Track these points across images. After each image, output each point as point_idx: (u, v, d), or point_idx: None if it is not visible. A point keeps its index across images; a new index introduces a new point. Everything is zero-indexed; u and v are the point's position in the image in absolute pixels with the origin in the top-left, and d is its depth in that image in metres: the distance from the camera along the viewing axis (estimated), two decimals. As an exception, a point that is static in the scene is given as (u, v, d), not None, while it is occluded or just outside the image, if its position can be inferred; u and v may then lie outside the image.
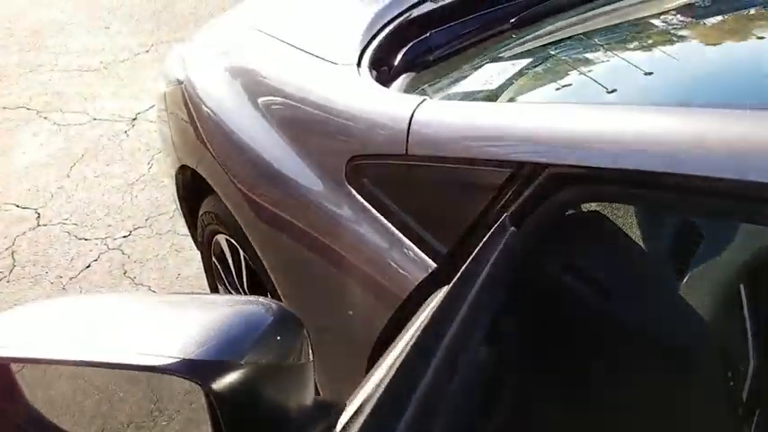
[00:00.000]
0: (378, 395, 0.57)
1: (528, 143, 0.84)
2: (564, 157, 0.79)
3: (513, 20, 1.30)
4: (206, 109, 1.43)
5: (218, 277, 1.71)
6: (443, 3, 1.34)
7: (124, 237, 2.38)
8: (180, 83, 1.55)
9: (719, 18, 1.19)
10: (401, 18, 1.29)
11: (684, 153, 0.70)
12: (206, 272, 1.80)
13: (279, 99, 1.26)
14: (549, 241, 0.86)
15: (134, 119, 3.01)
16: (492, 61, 1.14)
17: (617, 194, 0.81)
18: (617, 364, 0.85)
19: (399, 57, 1.20)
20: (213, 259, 1.67)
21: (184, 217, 1.78)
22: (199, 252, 1.80)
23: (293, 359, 0.63)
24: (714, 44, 1.12)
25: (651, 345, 0.85)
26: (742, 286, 0.95)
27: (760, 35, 1.07)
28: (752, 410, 0.96)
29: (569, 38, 1.22)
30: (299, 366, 0.63)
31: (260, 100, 1.29)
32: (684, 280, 0.92)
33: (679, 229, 0.97)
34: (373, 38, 1.23)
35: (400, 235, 0.98)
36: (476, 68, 1.12)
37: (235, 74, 1.41)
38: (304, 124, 1.19)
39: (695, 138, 0.71)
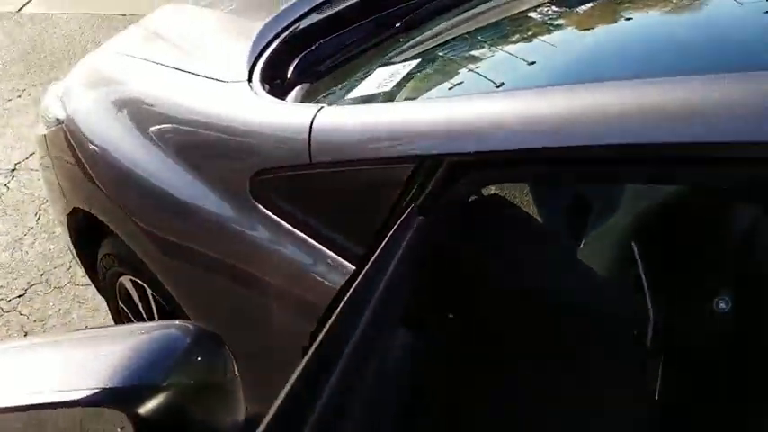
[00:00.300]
0: (282, 397, 0.55)
1: (426, 138, 0.85)
2: (460, 147, 0.82)
3: (398, 24, 1.32)
4: (92, 146, 1.35)
5: (127, 321, 1.61)
6: (329, 13, 1.34)
7: (19, 296, 2.20)
8: (60, 122, 1.46)
9: (591, 5, 1.26)
10: (288, 31, 1.28)
11: (566, 127, 0.75)
12: (114, 318, 1.69)
13: (170, 125, 1.21)
14: (457, 226, 0.88)
15: (13, 170, 2.81)
16: (383, 65, 1.15)
17: (512, 175, 0.86)
18: (531, 332, 0.88)
19: (291, 69, 1.19)
20: (120, 303, 1.57)
21: (83, 264, 1.66)
22: (104, 299, 1.69)
23: (218, 377, 0.60)
24: (588, 29, 1.19)
25: (559, 308, 0.89)
26: (633, 244, 1.01)
27: (627, 17, 1.14)
28: (657, 358, 1.03)
29: (455, 38, 1.26)
30: (224, 383, 0.61)
31: (151, 129, 1.24)
32: (581, 245, 0.97)
33: (572, 199, 1.02)
34: (261, 53, 1.21)
35: (316, 244, 0.96)
36: (368, 73, 1.13)
37: (120, 105, 1.34)
38: (200, 147, 1.15)
39: (576, 112, 0.76)
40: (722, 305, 1.03)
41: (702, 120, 0.67)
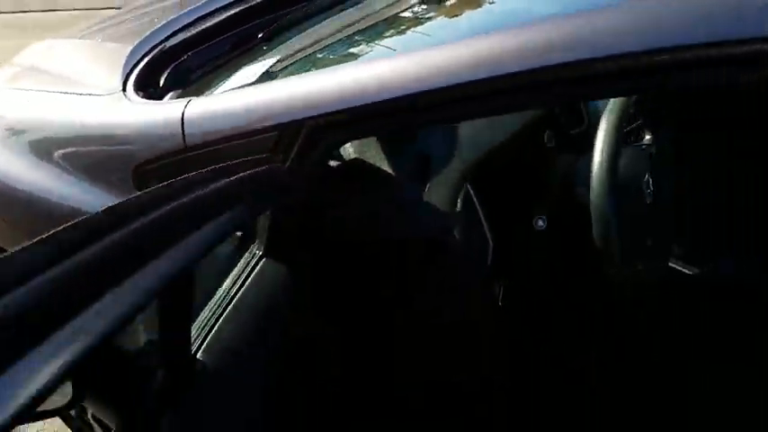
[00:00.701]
0: None
1: (285, 107, 0.99)
2: (315, 110, 0.96)
3: (260, 35, 1.47)
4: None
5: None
6: (196, 31, 1.47)
7: None
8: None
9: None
10: (157, 49, 1.39)
11: (398, 81, 0.91)
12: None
13: (56, 142, 1.28)
14: (319, 186, 1.02)
15: None
16: (247, 65, 1.30)
17: (360, 130, 1.00)
18: (388, 268, 1.03)
19: (163, 78, 1.30)
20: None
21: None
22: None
23: None
24: (455, 15, 1.38)
25: (412, 247, 1.04)
26: (468, 185, 1.20)
27: (490, 2, 1.35)
28: (498, 279, 1.22)
29: (311, 41, 1.42)
30: None
31: (39, 150, 1.30)
32: (427, 188, 1.13)
33: (415, 150, 1.20)
34: (133, 68, 1.32)
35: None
36: (234, 73, 1.27)
37: (4, 134, 1.39)
38: (85, 156, 1.23)
39: (407, 68, 0.92)
40: (540, 223, 1.24)
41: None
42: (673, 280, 1.58)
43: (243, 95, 1.07)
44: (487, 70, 0.84)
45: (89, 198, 1.21)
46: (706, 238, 1.80)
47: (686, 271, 1.71)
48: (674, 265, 1.72)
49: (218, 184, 0.74)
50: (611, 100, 1.22)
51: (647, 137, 1.43)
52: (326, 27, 1.49)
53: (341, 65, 1.08)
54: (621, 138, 1.17)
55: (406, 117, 0.92)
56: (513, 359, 1.20)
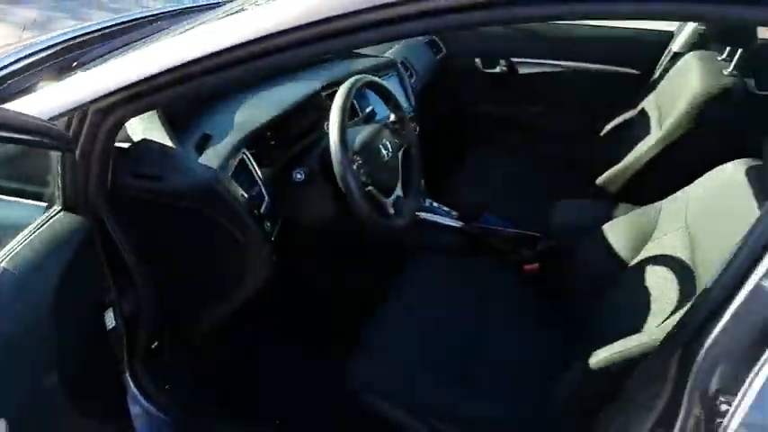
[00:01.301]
0: None
1: (74, 96, 1.29)
2: (95, 93, 1.27)
3: (74, 63, 1.79)
4: None
5: None
6: (31, 60, 1.77)
7: None
8: None
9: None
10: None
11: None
12: None
13: None
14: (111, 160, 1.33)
15: None
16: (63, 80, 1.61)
17: (144, 104, 1.29)
18: (196, 229, 1.36)
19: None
20: None
21: None
22: None
23: None
24: None
25: (202, 202, 1.38)
26: (246, 150, 1.56)
27: None
28: (271, 222, 1.57)
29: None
30: None
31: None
32: (205, 156, 1.47)
33: (197, 129, 1.53)
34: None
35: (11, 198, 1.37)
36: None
37: None
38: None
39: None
40: (298, 176, 1.62)
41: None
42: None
43: (46, 93, 1.37)
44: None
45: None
46: (464, 196, 2.24)
47: (456, 225, 2.12)
48: (447, 222, 2.12)
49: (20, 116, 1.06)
50: (340, 89, 1.61)
51: (392, 116, 1.84)
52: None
53: (117, 59, 1.41)
54: (346, 115, 1.55)
55: (161, 91, 1.24)
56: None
